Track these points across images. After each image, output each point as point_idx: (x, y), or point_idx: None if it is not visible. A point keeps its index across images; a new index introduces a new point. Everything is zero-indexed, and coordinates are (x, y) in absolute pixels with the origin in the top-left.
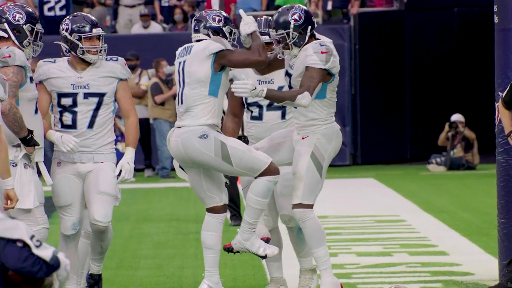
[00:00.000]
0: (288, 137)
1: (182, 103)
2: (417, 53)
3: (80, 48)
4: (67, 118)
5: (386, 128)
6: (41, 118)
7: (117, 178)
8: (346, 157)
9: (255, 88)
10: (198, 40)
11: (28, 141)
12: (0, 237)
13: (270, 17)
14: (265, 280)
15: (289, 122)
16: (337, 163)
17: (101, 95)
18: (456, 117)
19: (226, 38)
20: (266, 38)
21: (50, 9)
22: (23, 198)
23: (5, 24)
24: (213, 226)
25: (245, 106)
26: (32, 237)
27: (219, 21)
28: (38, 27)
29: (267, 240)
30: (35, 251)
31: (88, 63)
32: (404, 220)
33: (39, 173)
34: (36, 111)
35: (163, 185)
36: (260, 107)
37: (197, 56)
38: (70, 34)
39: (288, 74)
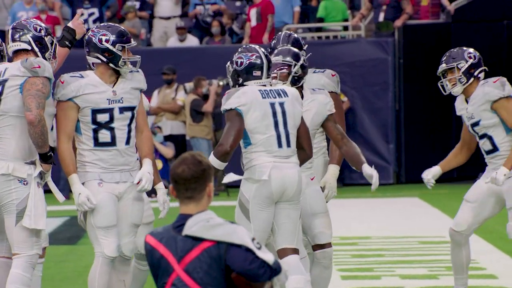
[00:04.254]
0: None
1: (289, 145)
2: None
3: (123, 59)
4: (105, 135)
5: (431, 145)
6: (55, 137)
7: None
8: (390, 175)
9: None
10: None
11: (48, 157)
12: (222, 241)
13: (291, 32)
14: None
15: None
16: (380, 182)
17: (133, 109)
18: None
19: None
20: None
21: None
22: (38, 217)
23: (28, 36)
24: None
25: None
26: (253, 240)
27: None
28: (55, 40)
29: None
30: (259, 254)
31: (117, 77)
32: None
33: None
34: (52, 128)
35: None
36: None
37: (297, 100)
38: (113, 44)
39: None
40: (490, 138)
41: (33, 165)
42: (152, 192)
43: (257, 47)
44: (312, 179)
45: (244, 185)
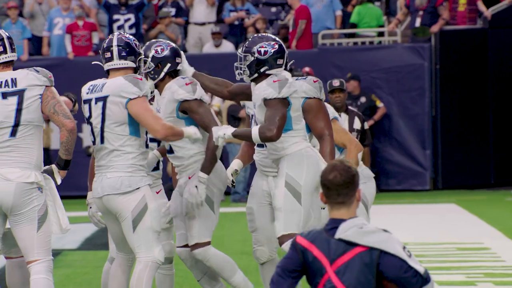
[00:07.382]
0: None
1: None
2: (502, 73)
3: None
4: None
5: (468, 151)
6: None
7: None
8: (427, 181)
9: None
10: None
11: (69, 164)
12: (376, 248)
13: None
14: None
15: None
16: (417, 188)
17: None
18: None
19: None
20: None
21: (119, 27)
22: (53, 223)
23: (13, 46)
24: None
25: None
26: (404, 248)
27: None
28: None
29: None
30: (411, 263)
31: None
32: (488, 248)
33: None
34: None
35: (235, 209)
36: None
37: None
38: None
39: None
40: None
41: (45, 173)
42: None
43: (271, 35)
44: (189, 178)
45: (294, 170)
